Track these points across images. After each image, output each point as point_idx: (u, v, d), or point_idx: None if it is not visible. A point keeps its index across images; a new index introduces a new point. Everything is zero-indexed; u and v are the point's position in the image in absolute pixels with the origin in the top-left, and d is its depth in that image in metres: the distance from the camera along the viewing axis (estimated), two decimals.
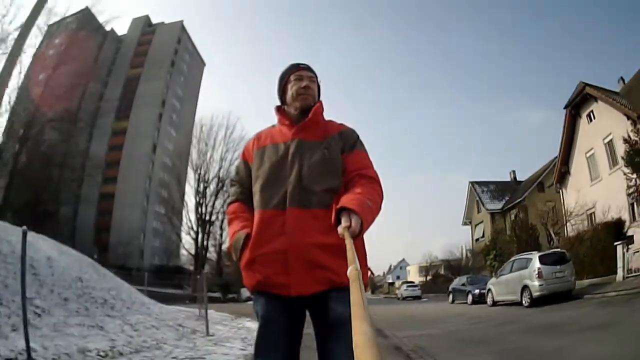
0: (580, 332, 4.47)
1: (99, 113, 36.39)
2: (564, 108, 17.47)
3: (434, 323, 7.43)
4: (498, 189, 27.06)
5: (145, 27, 48.74)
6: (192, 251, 27.47)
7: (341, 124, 1.35)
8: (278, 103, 1.38)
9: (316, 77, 1.36)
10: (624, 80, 17.26)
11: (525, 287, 8.86)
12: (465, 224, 29.04)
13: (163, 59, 43.24)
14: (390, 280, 52.50)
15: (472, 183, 27.78)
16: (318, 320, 1.17)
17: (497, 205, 25.39)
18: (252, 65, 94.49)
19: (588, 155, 15.87)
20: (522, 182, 26.57)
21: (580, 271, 11.64)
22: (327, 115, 1.36)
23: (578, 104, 16.52)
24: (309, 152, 1.23)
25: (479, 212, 27.14)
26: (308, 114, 1.29)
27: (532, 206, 19.49)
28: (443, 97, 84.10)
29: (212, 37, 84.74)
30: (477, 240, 27.07)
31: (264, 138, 1.32)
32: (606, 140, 14.59)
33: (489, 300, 10.88)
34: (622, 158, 12.02)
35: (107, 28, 46.03)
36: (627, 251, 10.23)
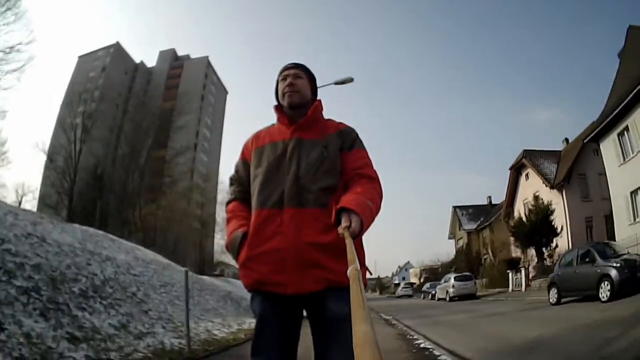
0: (443, 308, 14.09)
1: (137, 144, 46.79)
2: (509, 169, 26.63)
3: (398, 306, 17.79)
4: (475, 211, 36.39)
5: (172, 61, 58.77)
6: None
7: (340, 123, 1.44)
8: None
9: (306, 73, 1.45)
10: (567, 141, 24.93)
11: (447, 291, 18.73)
12: (450, 238, 39.11)
13: (194, 93, 52.99)
14: (397, 282, 62.05)
15: (455, 207, 37.65)
16: (315, 320, 1.25)
17: (473, 226, 34.72)
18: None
19: (525, 202, 23.57)
20: (496, 205, 36.40)
21: (493, 284, 22.27)
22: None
23: (519, 167, 25.57)
24: (307, 151, 1.32)
25: (459, 229, 36.72)
26: (301, 111, 1.39)
27: (498, 228, 29.29)
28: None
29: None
30: (458, 251, 37.24)
31: (263, 137, 1.42)
32: (536, 194, 21.95)
33: (436, 297, 20.93)
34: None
35: (137, 60, 56.72)
36: (515, 275, 20.31)
